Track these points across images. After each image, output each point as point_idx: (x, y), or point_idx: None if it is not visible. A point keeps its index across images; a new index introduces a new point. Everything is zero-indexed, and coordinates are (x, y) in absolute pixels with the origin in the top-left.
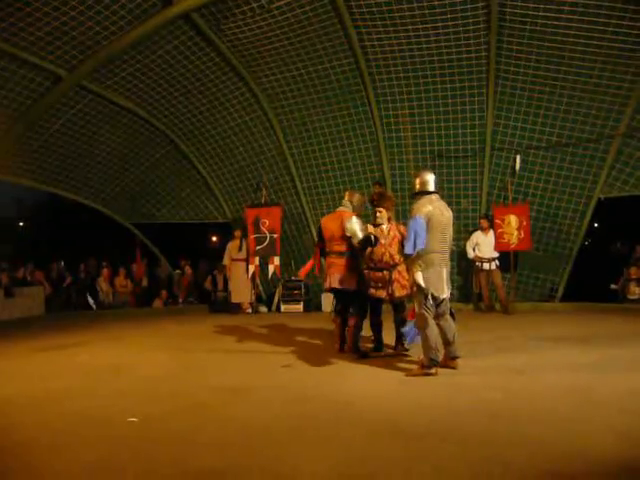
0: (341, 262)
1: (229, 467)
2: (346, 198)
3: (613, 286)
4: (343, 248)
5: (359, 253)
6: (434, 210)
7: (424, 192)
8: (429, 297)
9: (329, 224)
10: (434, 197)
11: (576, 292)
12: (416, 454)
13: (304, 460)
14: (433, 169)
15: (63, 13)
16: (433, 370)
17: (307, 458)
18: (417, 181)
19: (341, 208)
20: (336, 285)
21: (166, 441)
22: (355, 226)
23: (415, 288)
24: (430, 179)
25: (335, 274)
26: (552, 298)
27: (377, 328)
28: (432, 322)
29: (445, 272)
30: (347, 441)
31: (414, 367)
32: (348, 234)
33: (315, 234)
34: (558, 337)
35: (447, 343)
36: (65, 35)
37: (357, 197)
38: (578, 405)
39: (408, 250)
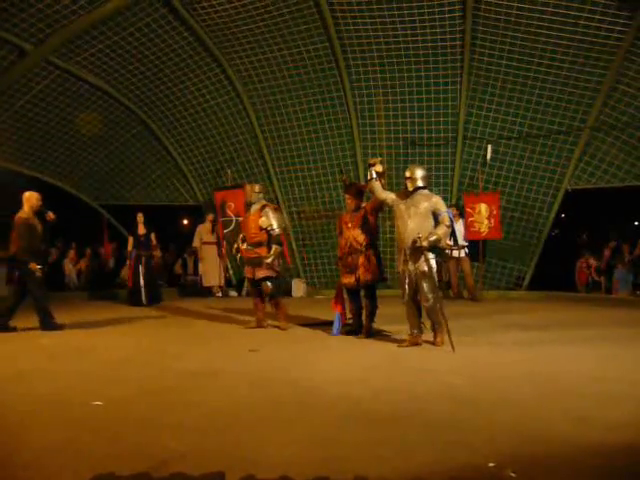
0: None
1: (191, 451)
2: (257, 190)
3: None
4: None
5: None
6: None
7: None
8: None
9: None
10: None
11: (542, 281)
12: (381, 439)
13: (267, 444)
14: (406, 157)
15: None
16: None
17: (271, 442)
18: (419, 175)
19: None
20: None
21: (130, 425)
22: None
23: (429, 273)
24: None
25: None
26: (519, 287)
27: (356, 312)
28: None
29: None
30: (312, 426)
31: (437, 339)
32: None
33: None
34: (523, 324)
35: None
36: (31, 7)
37: (258, 187)
38: (539, 390)
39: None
